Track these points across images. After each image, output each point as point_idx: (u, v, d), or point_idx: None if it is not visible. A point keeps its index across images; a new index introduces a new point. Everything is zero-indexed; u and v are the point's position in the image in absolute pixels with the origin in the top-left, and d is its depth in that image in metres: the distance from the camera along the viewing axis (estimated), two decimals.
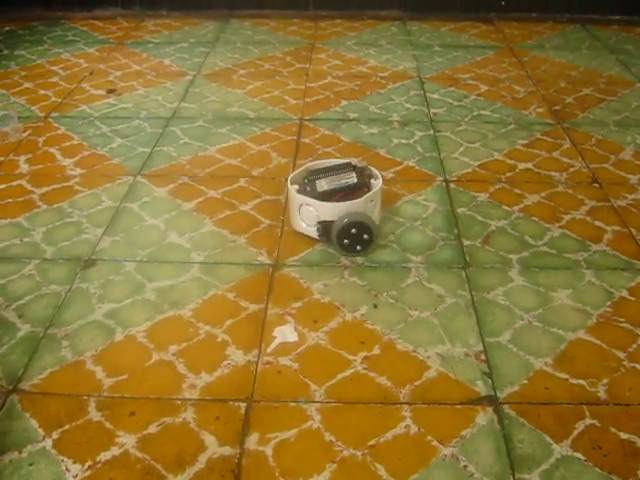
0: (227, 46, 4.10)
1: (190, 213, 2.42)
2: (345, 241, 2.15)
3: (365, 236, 2.14)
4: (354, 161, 2.34)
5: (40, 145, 2.89)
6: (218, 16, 4.64)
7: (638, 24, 4.50)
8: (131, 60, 3.86)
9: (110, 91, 3.44)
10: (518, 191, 2.55)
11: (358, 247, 2.17)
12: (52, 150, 2.84)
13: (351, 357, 1.79)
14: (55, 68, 3.73)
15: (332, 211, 2.16)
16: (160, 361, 1.78)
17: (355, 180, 2.23)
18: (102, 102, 3.31)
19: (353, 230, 2.13)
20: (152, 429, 1.59)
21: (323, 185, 2.23)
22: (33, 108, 3.24)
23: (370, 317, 1.94)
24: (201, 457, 1.52)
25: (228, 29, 4.42)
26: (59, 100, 3.32)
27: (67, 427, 1.59)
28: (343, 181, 2.24)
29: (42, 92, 3.42)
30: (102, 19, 4.58)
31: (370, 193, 2.19)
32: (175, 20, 4.59)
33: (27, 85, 3.50)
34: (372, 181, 2.26)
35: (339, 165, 2.32)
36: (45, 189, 2.56)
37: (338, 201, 2.17)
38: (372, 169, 2.32)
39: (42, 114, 3.17)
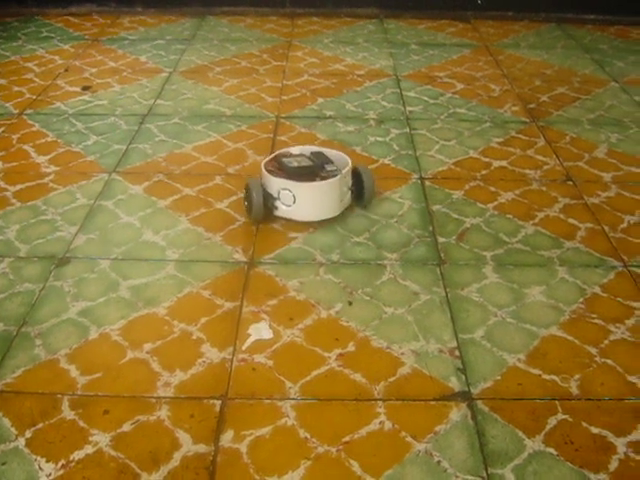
0: (204, 43, 4.08)
1: (165, 211, 2.41)
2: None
3: (246, 203, 2.36)
4: (335, 163, 2.40)
5: (14, 142, 2.86)
6: (194, 13, 4.62)
7: (612, 23, 4.54)
8: (107, 57, 3.84)
9: (85, 88, 3.41)
10: (493, 189, 2.57)
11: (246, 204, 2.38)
12: (26, 147, 2.82)
13: (326, 354, 1.80)
14: (30, 65, 3.69)
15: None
16: (134, 359, 1.78)
17: (294, 165, 2.37)
18: (77, 99, 3.29)
19: (245, 191, 2.37)
20: (126, 427, 1.59)
21: (291, 160, 2.42)
22: (7, 105, 3.21)
23: (345, 314, 1.94)
24: (176, 455, 1.52)
25: (204, 26, 4.40)
26: (33, 97, 3.29)
27: (40, 426, 1.58)
28: (290, 161, 2.39)
29: (16, 89, 3.38)
30: (77, 15, 4.55)
31: (279, 179, 2.30)
32: (151, 17, 4.57)
33: (1, 82, 3.46)
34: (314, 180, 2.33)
35: (320, 154, 2.45)
36: (19, 186, 2.53)
37: (265, 168, 2.37)
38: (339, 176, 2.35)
39: (16, 111, 3.15)
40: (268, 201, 2.32)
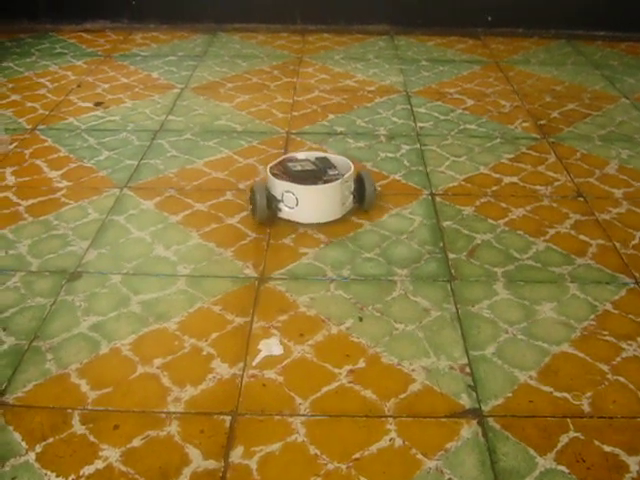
0: (215, 59, 4.11)
1: (176, 226, 2.42)
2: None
3: (250, 204, 2.44)
4: (338, 168, 2.49)
5: (27, 157, 2.88)
6: (206, 29, 4.65)
7: (622, 40, 4.55)
8: (119, 73, 3.87)
9: (98, 104, 3.44)
10: (503, 205, 2.57)
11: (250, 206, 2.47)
12: (39, 162, 2.84)
13: (336, 370, 1.80)
14: (43, 80, 3.73)
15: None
16: (145, 374, 1.78)
17: (297, 169, 2.47)
18: (89, 114, 3.31)
19: (250, 193, 2.45)
20: (136, 442, 1.59)
21: (295, 164, 2.53)
22: (20, 120, 3.23)
23: (355, 330, 1.94)
24: (185, 471, 1.52)
25: (216, 42, 4.43)
26: (46, 112, 3.32)
27: (51, 440, 1.59)
28: (295, 165, 2.50)
29: (29, 104, 3.41)
30: (90, 32, 4.59)
31: (282, 182, 2.39)
32: (163, 33, 4.60)
33: (14, 97, 3.50)
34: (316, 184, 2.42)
35: (324, 159, 2.55)
36: (31, 201, 2.55)
37: (270, 171, 2.46)
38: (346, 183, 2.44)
39: (29, 126, 3.17)
40: (272, 203, 2.41)
